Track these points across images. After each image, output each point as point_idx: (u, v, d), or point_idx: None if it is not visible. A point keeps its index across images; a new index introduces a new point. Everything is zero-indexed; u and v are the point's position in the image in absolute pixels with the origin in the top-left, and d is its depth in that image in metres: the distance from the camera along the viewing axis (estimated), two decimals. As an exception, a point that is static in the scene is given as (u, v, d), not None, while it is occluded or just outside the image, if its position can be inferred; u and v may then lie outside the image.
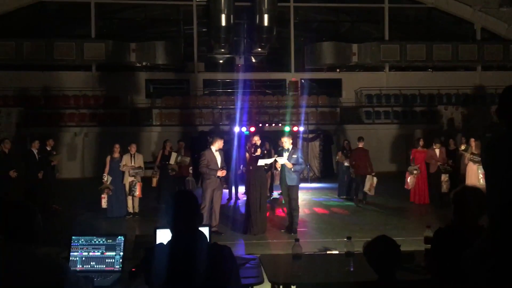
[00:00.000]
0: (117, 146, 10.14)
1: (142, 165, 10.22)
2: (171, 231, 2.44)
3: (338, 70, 22.15)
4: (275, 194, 12.65)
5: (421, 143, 11.70)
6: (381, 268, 2.60)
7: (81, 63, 20.51)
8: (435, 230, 2.99)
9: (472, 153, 10.37)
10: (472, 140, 10.60)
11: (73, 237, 3.42)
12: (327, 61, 21.37)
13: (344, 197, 12.49)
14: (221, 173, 8.11)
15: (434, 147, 11.30)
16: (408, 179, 11.52)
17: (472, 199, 2.88)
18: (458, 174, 11.22)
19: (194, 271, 2.31)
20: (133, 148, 10.15)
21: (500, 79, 21.27)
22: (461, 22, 22.85)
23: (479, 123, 19.09)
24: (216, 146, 8.23)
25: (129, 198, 10.09)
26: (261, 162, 8.36)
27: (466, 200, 2.89)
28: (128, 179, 10.00)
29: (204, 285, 2.32)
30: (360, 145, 11.80)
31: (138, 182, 10.03)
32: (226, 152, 8.95)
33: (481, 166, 10.15)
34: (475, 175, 10.20)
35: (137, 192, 9.99)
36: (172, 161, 11.03)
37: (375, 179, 11.54)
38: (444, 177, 10.98)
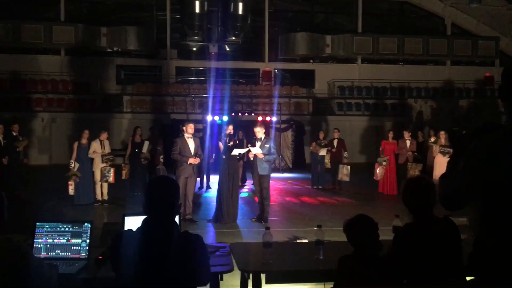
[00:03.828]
0: (86, 132, 9.94)
1: (110, 151, 10.13)
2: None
3: (311, 61, 22.23)
4: (248, 184, 12.66)
5: (390, 135, 11.89)
6: (360, 244, 2.82)
7: (50, 46, 19.93)
8: (396, 232, 3.00)
9: (441, 145, 10.60)
10: (442, 132, 10.82)
11: (37, 223, 3.32)
12: (300, 51, 21.41)
13: (316, 187, 12.60)
14: (193, 161, 8.02)
15: (405, 137, 11.49)
16: (377, 170, 11.70)
17: (421, 189, 2.90)
18: (425, 166, 11.45)
19: (164, 259, 2.27)
20: (104, 136, 9.97)
21: (468, 74, 21.83)
22: (432, 16, 23.26)
23: (447, 116, 19.56)
24: (188, 131, 8.14)
25: (98, 186, 9.91)
26: (235, 152, 8.33)
27: (416, 192, 2.90)
28: (99, 166, 9.83)
29: (174, 273, 2.28)
30: (336, 135, 12.51)
31: (112, 167, 9.91)
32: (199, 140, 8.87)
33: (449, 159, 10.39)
34: (443, 167, 10.41)
35: (111, 177, 9.85)
36: (144, 149, 10.88)
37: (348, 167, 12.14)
38: (418, 167, 11.14)
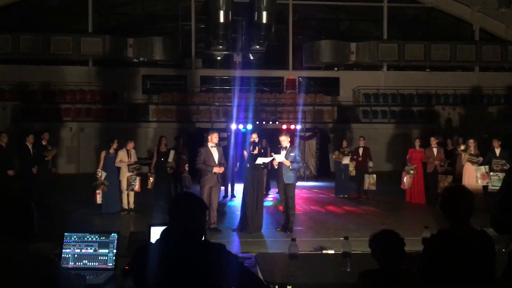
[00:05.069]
0: (116, 141, 10.08)
1: (136, 160, 10.28)
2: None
3: (336, 68, 22.12)
4: (273, 193, 12.61)
5: (417, 143, 11.68)
6: (385, 261, 2.69)
7: (78, 58, 20.41)
8: (429, 238, 2.93)
9: (471, 154, 10.34)
10: (471, 141, 10.56)
11: (65, 233, 3.36)
12: (325, 59, 21.33)
13: (341, 196, 12.46)
14: (218, 170, 8.03)
15: (432, 146, 11.27)
16: (405, 179, 11.50)
17: (463, 199, 2.83)
18: (454, 174, 11.20)
19: (184, 271, 2.25)
20: (130, 145, 10.10)
21: (497, 80, 21.36)
22: (460, 22, 22.86)
23: (476, 123, 19.13)
24: (213, 141, 8.16)
25: (124, 194, 10.02)
26: (259, 161, 8.31)
27: (457, 200, 2.83)
28: (125, 175, 9.94)
29: (197, 285, 2.26)
30: (362, 143, 12.34)
31: (138, 176, 10.03)
32: (223, 149, 8.88)
33: (479, 167, 10.15)
34: (472, 176, 10.18)
35: (137, 186, 9.96)
36: (170, 158, 10.96)
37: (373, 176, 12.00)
38: (448, 178, 10.91)
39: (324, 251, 4.56)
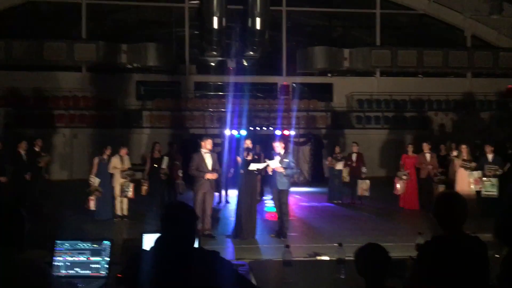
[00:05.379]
0: (109, 148, 10.06)
1: (130, 167, 10.24)
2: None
3: (329, 74, 22.19)
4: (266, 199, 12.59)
5: (410, 148, 11.73)
6: (370, 276, 2.60)
7: (72, 64, 20.31)
8: (423, 244, 2.92)
9: (463, 160, 10.39)
10: (464, 147, 10.62)
11: (57, 241, 3.32)
12: (318, 65, 21.40)
13: (335, 201, 12.47)
14: (210, 176, 8.00)
15: (425, 151, 11.31)
16: (397, 185, 11.53)
17: (457, 205, 2.83)
18: (447, 183, 11.23)
19: (177, 279, 2.24)
20: (124, 151, 10.08)
21: (490, 86, 21.51)
22: (452, 29, 23.04)
23: (469, 129, 19.24)
24: (207, 147, 8.14)
25: (118, 201, 9.98)
26: (253, 167, 8.30)
27: (451, 207, 2.83)
28: (118, 181, 9.91)
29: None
30: (355, 149, 12.36)
31: (131, 183, 9.98)
32: (217, 155, 8.85)
33: (471, 173, 10.20)
34: (466, 181, 10.22)
35: (130, 192, 9.92)
36: (164, 165, 10.92)
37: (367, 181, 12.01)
38: (441, 188, 10.96)
39: (318, 257, 4.56)
